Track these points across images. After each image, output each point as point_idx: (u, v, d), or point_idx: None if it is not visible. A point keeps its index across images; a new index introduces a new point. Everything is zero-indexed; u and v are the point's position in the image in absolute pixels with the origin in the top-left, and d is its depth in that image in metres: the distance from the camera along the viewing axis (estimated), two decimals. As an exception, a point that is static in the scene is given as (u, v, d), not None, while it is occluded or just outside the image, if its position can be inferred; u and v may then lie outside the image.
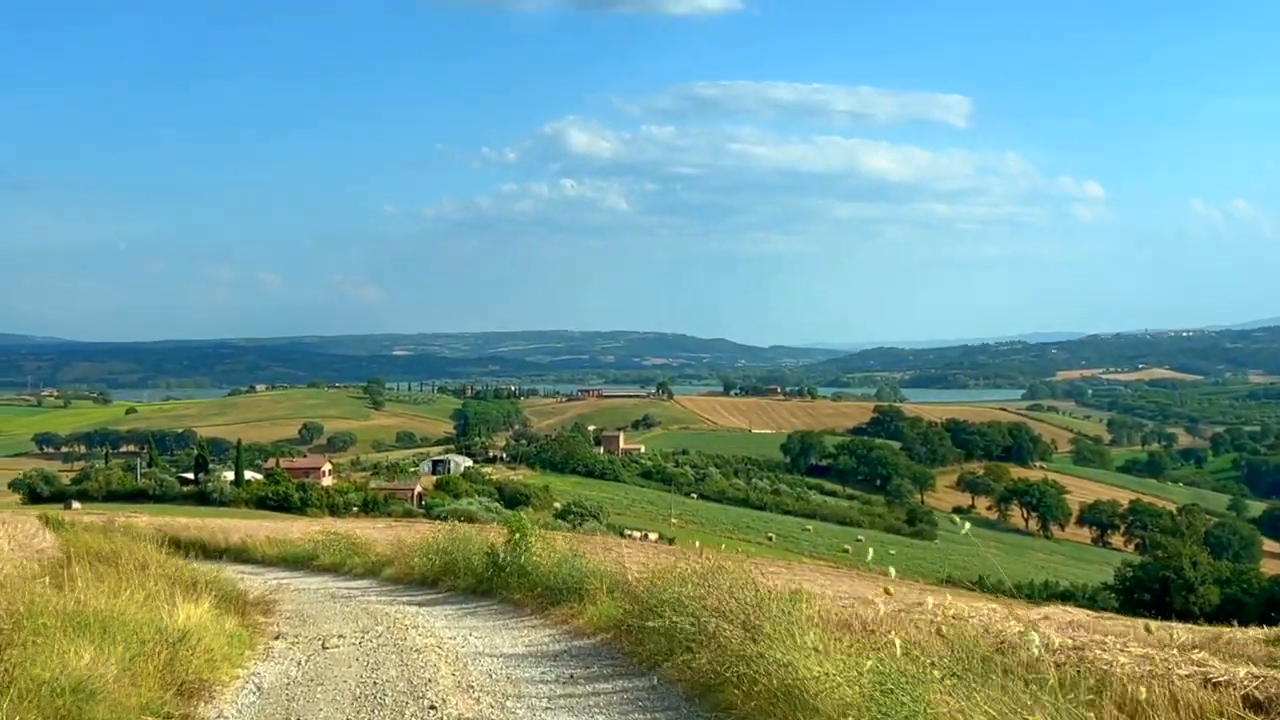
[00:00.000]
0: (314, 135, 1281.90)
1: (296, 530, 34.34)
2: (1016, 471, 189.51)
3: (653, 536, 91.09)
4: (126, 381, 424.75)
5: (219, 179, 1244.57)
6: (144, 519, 45.72)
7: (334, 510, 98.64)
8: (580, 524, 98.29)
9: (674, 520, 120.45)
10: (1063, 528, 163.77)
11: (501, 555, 17.02)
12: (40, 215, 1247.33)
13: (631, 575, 13.21)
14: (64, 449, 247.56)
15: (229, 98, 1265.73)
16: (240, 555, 28.38)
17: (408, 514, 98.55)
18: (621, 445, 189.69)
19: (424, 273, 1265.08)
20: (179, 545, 32.84)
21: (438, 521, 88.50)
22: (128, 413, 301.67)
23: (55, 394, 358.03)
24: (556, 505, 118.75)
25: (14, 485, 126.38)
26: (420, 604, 17.10)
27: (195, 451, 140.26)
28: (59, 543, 19.13)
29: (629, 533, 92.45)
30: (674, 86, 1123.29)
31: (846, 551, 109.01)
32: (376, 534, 39.09)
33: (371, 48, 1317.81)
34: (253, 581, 22.26)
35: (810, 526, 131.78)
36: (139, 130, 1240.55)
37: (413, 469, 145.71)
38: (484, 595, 17.16)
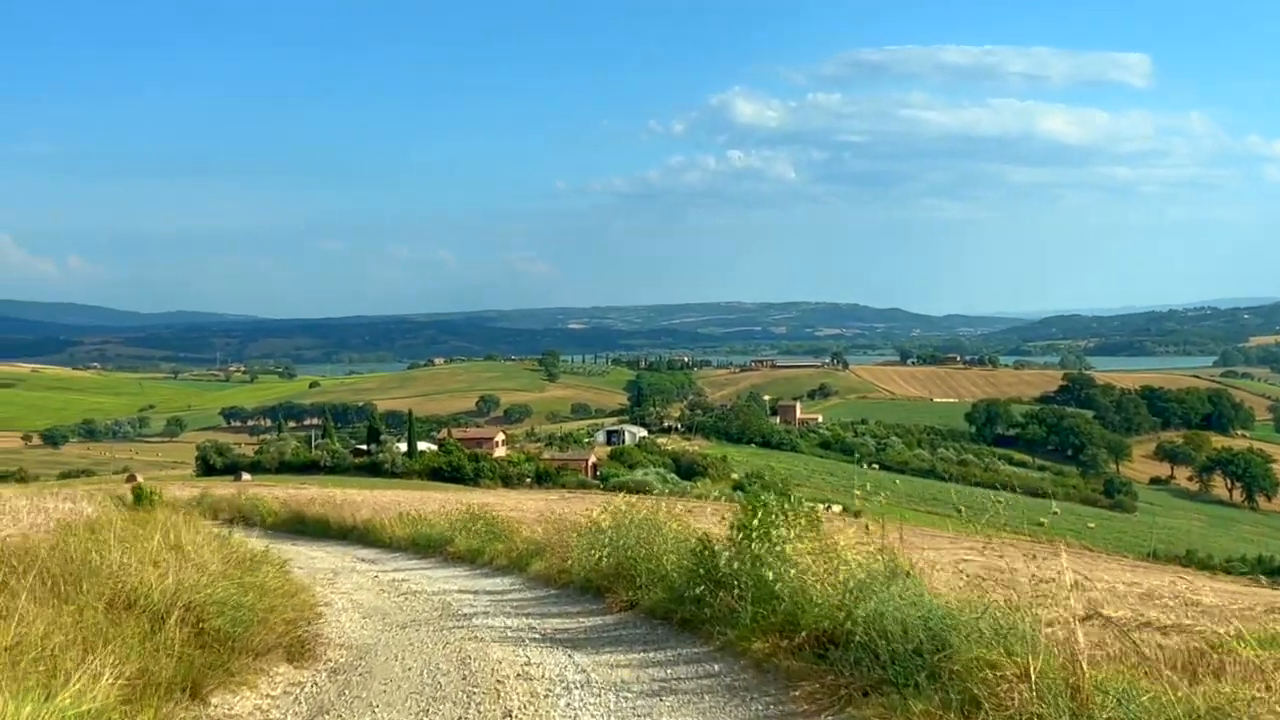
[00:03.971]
0: (483, 114, 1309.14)
1: (435, 504, 28.68)
2: (1217, 440, 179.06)
3: (836, 509, 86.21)
4: (311, 357, 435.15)
5: (392, 159, 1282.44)
6: (288, 491, 41.42)
7: (507, 481, 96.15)
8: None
9: (858, 492, 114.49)
10: (1269, 498, 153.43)
11: (724, 559, 9.64)
12: (227, 198, 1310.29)
13: (1079, 644, 5.51)
14: (249, 422, 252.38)
15: (399, 80, 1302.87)
16: (365, 536, 22.87)
17: (582, 485, 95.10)
18: (798, 415, 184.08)
19: (595, 246, 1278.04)
20: (302, 523, 27.90)
21: (610, 494, 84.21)
22: (311, 386, 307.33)
23: (243, 369, 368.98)
24: (734, 476, 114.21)
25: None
26: (572, 644, 10.19)
27: (368, 424, 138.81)
28: (87, 522, 13.84)
29: (811, 505, 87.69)
30: (840, 53, 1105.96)
31: (1042, 524, 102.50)
32: (542, 505, 33.51)
33: (538, 26, 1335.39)
34: (358, 576, 16.40)
35: (1000, 498, 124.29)
36: (315, 114, 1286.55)
37: (587, 440, 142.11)
38: (687, 629, 10.02)
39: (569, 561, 13.09)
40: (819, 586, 8.39)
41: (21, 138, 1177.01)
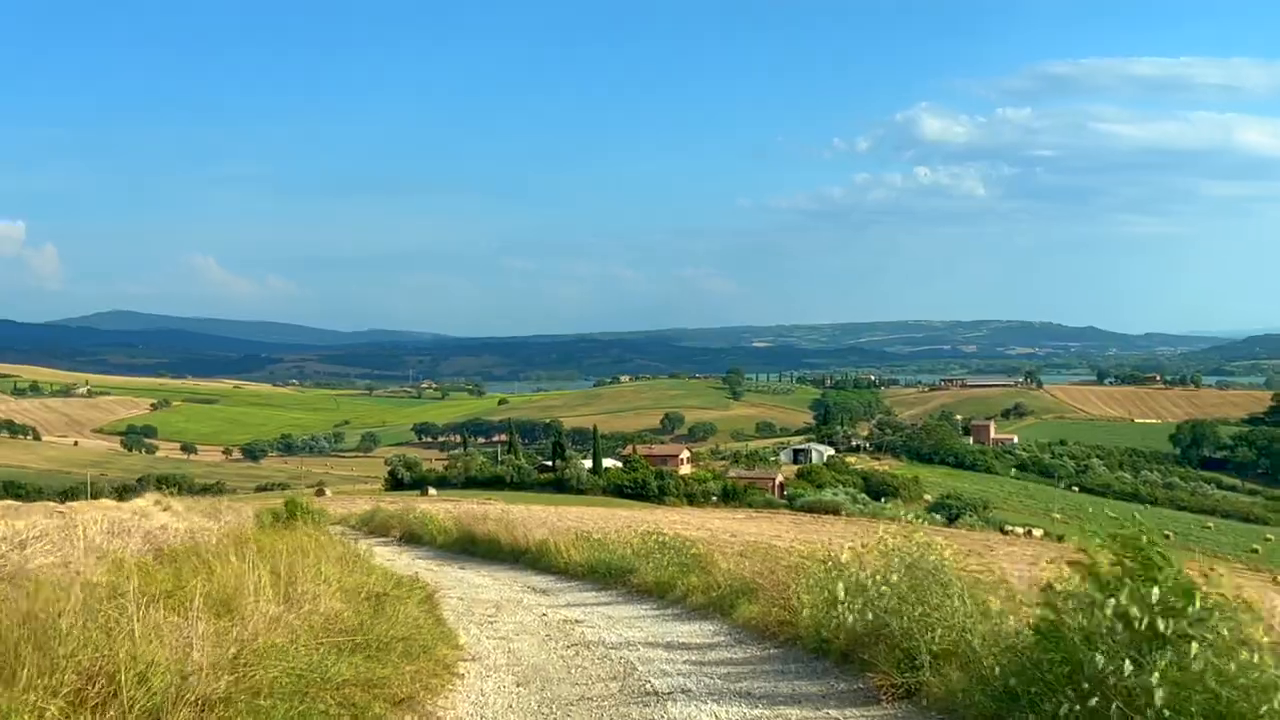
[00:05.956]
0: (663, 132, 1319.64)
1: (619, 523, 25.73)
2: None
3: (1037, 533, 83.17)
4: (499, 375, 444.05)
5: (572, 178, 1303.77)
6: (464, 506, 39.39)
7: (692, 499, 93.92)
8: (956, 519, 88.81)
9: (1056, 515, 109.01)
10: None
11: (1112, 659, 5.34)
12: (419, 218, 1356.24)
13: None
14: (439, 438, 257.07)
15: (580, 102, 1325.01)
16: (539, 560, 20.11)
17: (768, 504, 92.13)
18: (992, 435, 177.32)
19: (778, 264, 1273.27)
20: (473, 543, 25.40)
21: (798, 514, 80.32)
22: (499, 403, 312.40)
23: (434, 386, 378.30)
24: (927, 498, 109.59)
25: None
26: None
27: (553, 440, 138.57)
28: (186, 547, 11.39)
29: (1009, 528, 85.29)
30: (1027, 66, 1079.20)
31: (1256, 551, 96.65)
32: (732, 524, 30.45)
33: (720, 45, 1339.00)
34: (523, 613, 13.35)
35: (1210, 524, 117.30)
36: (498, 135, 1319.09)
37: (773, 458, 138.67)
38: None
39: (798, 616, 9.30)
40: None
41: (222, 159, 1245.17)
